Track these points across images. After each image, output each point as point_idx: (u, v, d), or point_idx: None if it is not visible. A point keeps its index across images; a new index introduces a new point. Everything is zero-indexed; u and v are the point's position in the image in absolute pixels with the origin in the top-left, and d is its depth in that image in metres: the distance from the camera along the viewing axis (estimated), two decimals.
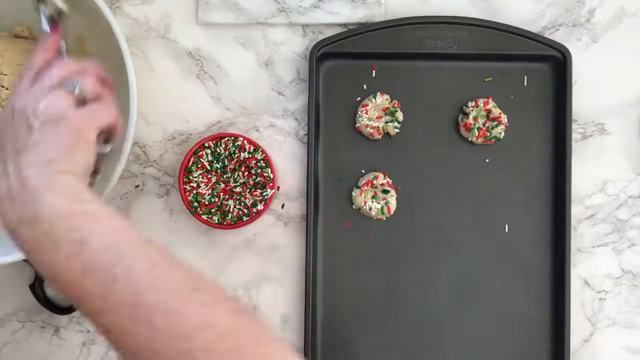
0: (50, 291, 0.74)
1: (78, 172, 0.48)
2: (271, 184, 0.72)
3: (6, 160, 0.48)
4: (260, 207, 0.71)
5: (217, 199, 0.72)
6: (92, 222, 0.46)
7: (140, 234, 0.46)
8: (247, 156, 0.72)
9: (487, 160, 0.73)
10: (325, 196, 0.73)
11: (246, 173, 0.72)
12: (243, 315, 0.45)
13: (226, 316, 0.44)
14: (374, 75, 0.74)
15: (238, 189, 0.72)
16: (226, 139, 0.72)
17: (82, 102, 0.51)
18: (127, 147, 0.62)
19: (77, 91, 0.50)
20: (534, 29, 0.74)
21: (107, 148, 0.55)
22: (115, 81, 0.63)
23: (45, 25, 0.56)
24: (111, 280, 0.43)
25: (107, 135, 0.54)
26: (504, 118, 0.72)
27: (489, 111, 0.72)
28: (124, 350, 0.44)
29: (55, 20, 0.57)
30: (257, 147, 0.72)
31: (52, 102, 0.49)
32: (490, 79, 0.74)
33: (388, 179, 0.72)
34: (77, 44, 0.69)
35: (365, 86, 0.74)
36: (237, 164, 0.72)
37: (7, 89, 0.65)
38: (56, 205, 0.45)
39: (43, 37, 0.55)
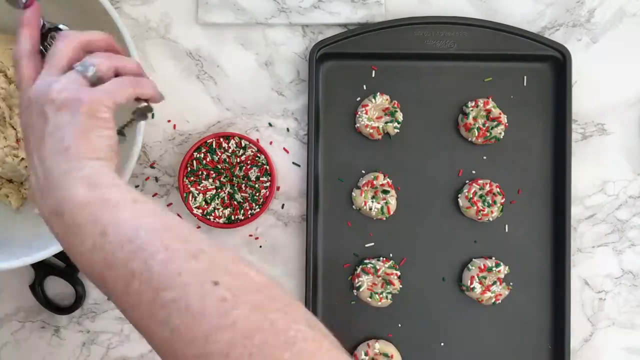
0: (50, 291, 0.75)
1: (100, 156, 0.46)
2: (271, 184, 0.72)
3: (31, 152, 0.47)
4: (259, 207, 0.72)
5: (217, 199, 0.72)
6: (111, 211, 0.43)
7: (162, 219, 0.44)
8: (247, 156, 0.72)
9: (486, 160, 0.73)
10: (325, 196, 0.73)
11: (246, 173, 0.72)
12: (269, 307, 0.40)
13: (248, 313, 0.39)
14: (373, 75, 0.74)
15: (238, 189, 0.72)
16: (226, 138, 0.72)
17: (99, 80, 0.48)
18: (139, 139, 0.63)
19: (90, 73, 0.48)
20: (533, 29, 0.74)
21: (148, 117, 0.53)
22: None
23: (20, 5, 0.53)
24: (130, 276, 0.41)
25: (145, 103, 0.52)
26: (504, 118, 0.72)
27: (488, 111, 0.72)
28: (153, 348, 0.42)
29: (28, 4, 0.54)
30: (257, 147, 0.72)
31: (64, 86, 0.47)
32: (490, 79, 0.74)
33: (388, 179, 0.72)
34: None
35: (365, 86, 0.74)
36: (237, 164, 0.72)
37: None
38: (76, 195, 0.44)
39: (21, 16, 0.51)
